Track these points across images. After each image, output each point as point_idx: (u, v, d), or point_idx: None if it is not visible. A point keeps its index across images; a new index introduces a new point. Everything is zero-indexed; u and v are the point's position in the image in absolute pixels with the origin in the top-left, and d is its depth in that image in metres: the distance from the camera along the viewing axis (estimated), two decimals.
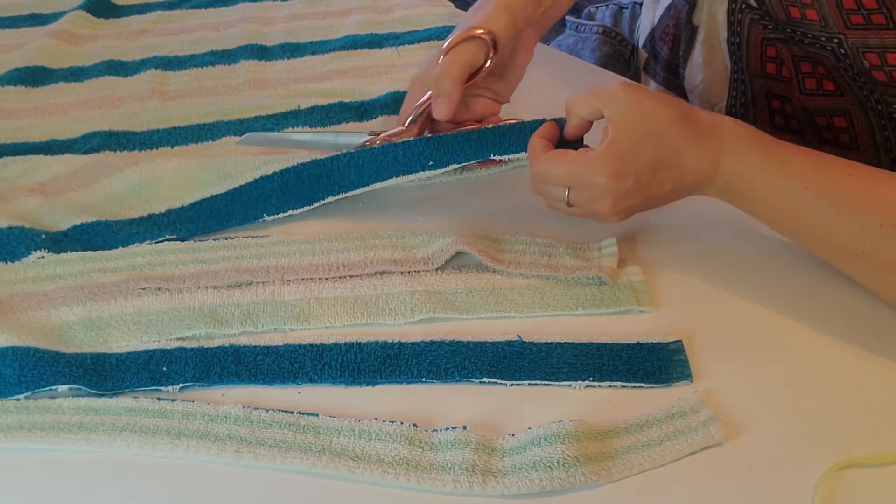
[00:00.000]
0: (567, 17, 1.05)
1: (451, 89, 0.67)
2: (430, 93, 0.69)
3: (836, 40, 0.66)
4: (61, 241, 0.66)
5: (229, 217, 0.69)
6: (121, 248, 0.66)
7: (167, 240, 0.67)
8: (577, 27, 1.03)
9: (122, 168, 0.73)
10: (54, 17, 1.03)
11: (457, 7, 1.03)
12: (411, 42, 0.96)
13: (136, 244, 0.66)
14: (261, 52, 0.95)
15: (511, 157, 0.64)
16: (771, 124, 0.79)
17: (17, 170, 0.74)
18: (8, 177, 0.73)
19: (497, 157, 0.64)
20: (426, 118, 0.70)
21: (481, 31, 0.69)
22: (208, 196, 0.69)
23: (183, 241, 0.67)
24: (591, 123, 0.62)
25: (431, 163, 0.65)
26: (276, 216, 0.68)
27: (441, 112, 0.68)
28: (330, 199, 0.68)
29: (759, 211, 0.59)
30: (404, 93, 0.85)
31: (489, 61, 0.70)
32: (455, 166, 0.65)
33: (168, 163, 0.73)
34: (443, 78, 0.68)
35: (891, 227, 0.54)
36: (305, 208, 0.68)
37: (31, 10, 1.06)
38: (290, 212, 0.68)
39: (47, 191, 0.72)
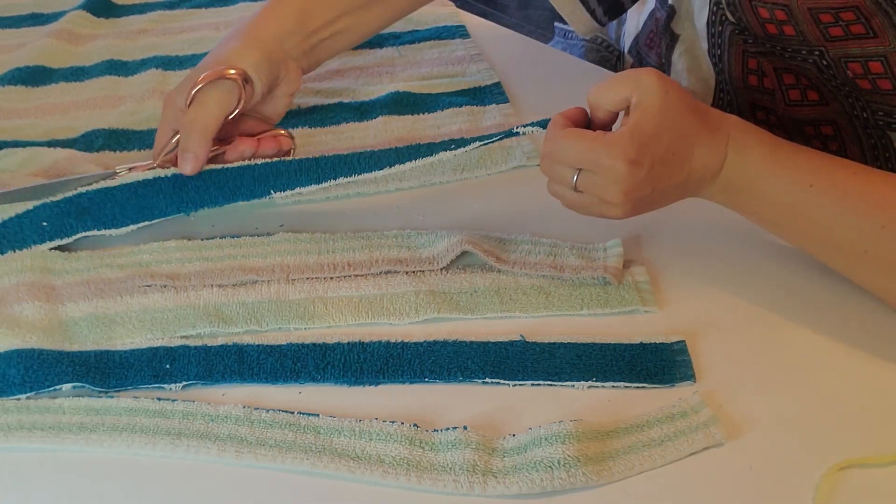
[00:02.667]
0: (556, 24, 1.04)
1: (199, 148, 0.65)
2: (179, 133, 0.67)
3: (817, 52, 0.66)
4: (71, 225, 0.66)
5: (237, 191, 0.67)
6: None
7: (174, 217, 0.67)
8: (564, 34, 1.02)
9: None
10: (54, 16, 1.03)
11: (458, 7, 1.03)
12: (412, 42, 0.96)
13: (143, 223, 0.66)
14: None
15: (533, 129, 0.63)
16: None
17: (18, 159, 0.74)
18: (9, 167, 0.73)
19: (521, 130, 0.63)
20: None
21: (233, 70, 0.66)
22: (219, 168, 0.68)
23: (187, 213, 0.67)
24: (617, 115, 0.60)
25: (454, 145, 0.66)
26: (283, 193, 0.67)
27: (187, 169, 0.66)
28: (342, 179, 0.67)
29: (759, 210, 0.59)
30: (405, 93, 0.85)
31: (241, 101, 0.67)
32: (478, 144, 0.65)
33: None
34: (190, 135, 0.65)
35: (893, 227, 0.54)
36: (314, 186, 0.67)
37: (32, 9, 1.06)
38: (299, 189, 0.67)
39: (49, 174, 0.72)
